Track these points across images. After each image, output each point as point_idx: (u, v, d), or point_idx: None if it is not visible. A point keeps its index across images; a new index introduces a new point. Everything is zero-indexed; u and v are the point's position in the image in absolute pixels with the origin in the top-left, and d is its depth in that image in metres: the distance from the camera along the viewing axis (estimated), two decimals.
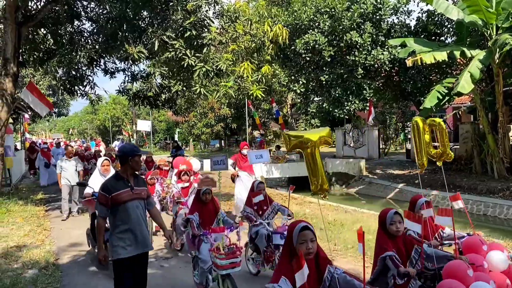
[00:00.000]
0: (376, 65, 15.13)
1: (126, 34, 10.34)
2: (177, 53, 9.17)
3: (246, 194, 9.13)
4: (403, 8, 16.16)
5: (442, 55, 12.21)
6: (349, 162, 18.97)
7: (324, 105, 17.70)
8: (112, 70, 13.01)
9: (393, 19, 16.38)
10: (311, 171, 4.18)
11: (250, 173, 9.47)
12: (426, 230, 3.84)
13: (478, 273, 3.34)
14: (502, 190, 12.74)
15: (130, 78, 13.01)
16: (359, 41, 14.91)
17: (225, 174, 16.84)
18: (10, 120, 14.41)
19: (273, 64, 16.47)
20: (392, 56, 14.73)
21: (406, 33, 15.66)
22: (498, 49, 11.90)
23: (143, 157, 11.20)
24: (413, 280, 3.35)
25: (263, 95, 11.36)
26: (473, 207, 12.68)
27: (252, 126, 33.23)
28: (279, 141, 33.89)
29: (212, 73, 9.55)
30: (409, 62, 12.66)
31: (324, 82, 16.53)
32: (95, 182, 6.64)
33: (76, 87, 12.94)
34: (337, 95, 16.90)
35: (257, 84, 10.48)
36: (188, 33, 9.00)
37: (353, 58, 15.13)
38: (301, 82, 17.09)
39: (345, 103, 17.07)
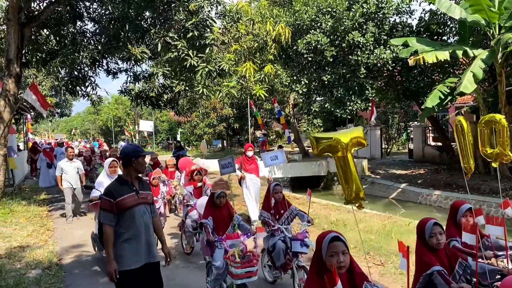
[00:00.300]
0: (378, 64, 15.10)
1: (129, 34, 10.37)
2: (180, 53, 9.19)
3: (253, 198, 8.89)
4: (405, 8, 16.13)
5: (444, 55, 12.18)
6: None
7: (326, 105, 17.70)
8: (114, 70, 13.06)
9: (395, 19, 16.36)
10: (343, 178, 3.77)
11: (256, 175, 9.14)
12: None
13: None
14: (505, 190, 12.70)
15: (132, 79, 13.06)
16: (361, 41, 14.89)
17: (233, 177, 16.86)
18: (13, 121, 14.44)
19: (275, 64, 16.48)
20: (394, 55, 14.70)
21: (408, 32, 15.63)
22: (501, 49, 11.87)
23: (147, 157, 11.14)
24: None
25: (266, 95, 11.35)
26: (475, 207, 12.64)
27: (254, 126, 33.24)
28: (281, 141, 33.89)
29: (215, 73, 9.56)
30: (411, 62, 12.63)
31: (326, 82, 16.52)
32: (103, 184, 6.36)
33: (78, 88, 12.99)
34: (339, 95, 16.89)
35: (259, 84, 10.47)
36: (191, 33, 9.02)
37: (356, 58, 15.11)
38: (303, 82, 17.09)
39: (347, 103, 17.07)
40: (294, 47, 16.02)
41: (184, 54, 9.16)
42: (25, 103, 15.24)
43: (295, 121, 27.94)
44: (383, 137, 24.15)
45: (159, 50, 9.36)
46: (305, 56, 15.95)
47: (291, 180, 20.08)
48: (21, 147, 23.75)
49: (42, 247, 7.46)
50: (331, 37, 15.62)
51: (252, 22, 10.50)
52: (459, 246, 3.52)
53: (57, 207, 11.39)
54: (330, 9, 15.56)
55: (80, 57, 11.14)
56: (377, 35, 15.16)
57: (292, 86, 17.95)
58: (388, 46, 14.97)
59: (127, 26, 10.43)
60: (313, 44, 15.46)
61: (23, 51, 11.27)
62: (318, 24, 15.78)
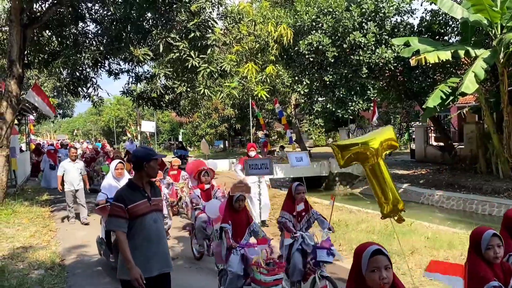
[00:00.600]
0: (380, 64, 15.10)
1: (131, 35, 10.40)
2: (181, 54, 9.20)
3: (255, 201, 8.45)
4: (406, 8, 16.12)
5: (446, 55, 12.17)
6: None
7: (328, 106, 17.69)
8: (116, 71, 13.10)
9: (396, 19, 16.35)
10: (377, 188, 3.30)
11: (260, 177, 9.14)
12: None
13: None
14: (507, 190, 12.67)
15: (134, 79, 13.11)
16: (362, 41, 14.89)
17: (232, 176, 16.86)
18: (15, 121, 14.47)
19: (277, 65, 16.48)
20: (396, 54, 14.69)
21: (410, 32, 15.62)
22: (503, 49, 11.85)
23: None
24: None
25: (267, 96, 11.36)
26: (478, 207, 12.63)
27: (256, 127, 33.26)
28: (283, 141, 33.90)
29: (216, 74, 9.57)
30: (413, 62, 12.63)
31: (328, 82, 16.52)
32: (108, 187, 6.19)
33: (80, 89, 13.03)
34: (341, 95, 16.89)
35: (261, 84, 10.47)
36: (192, 34, 9.03)
37: (357, 58, 15.11)
38: (304, 83, 17.09)
39: (349, 103, 17.06)
40: (296, 48, 16.03)
41: (185, 55, 9.17)
42: (27, 104, 15.29)
43: (296, 121, 27.94)
44: None
45: (160, 51, 9.39)
46: (307, 56, 15.95)
47: (293, 181, 20.06)
48: (23, 148, 23.80)
49: (45, 247, 7.48)
50: (333, 37, 15.62)
51: (253, 23, 10.51)
52: None
53: (59, 207, 11.41)
54: (330, 10, 15.57)
55: (82, 58, 11.19)
56: (378, 35, 15.15)
57: (294, 86, 17.95)
58: (389, 45, 14.97)
59: (129, 27, 10.46)
60: (315, 45, 15.46)
61: (25, 52, 11.29)
62: (320, 24, 15.78)
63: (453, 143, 18.91)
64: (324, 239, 4.79)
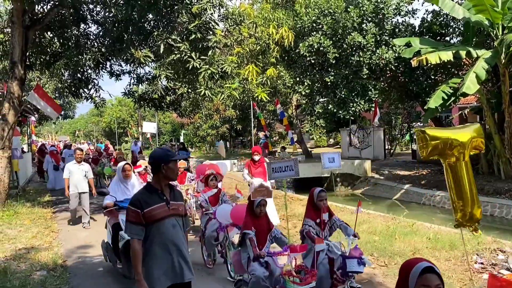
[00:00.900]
0: (381, 65, 15.10)
1: (132, 37, 10.41)
2: (183, 55, 9.22)
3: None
4: (407, 9, 16.12)
5: (447, 55, 12.17)
6: (355, 163, 18.94)
7: (329, 106, 17.70)
8: (118, 72, 13.13)
9: (397, 19, 16.36)
10: (454, 191, 2.86)
11: (264, 180, 8.70)
12: None
13: None
14: (509, 191, 12.66)
15: (135, 81, 13.13)
16: (362, 42, 14.90)
17: (232, 177, 16.87)
18: (17, 123, 14.51)
19: (278, 66, 16.50)
20: (397, 55, 14.69)
21: (411, 33, 15.62)
22: (504, 49, 11.85)
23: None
24: None
25: (268, 98, 11.37)
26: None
27: (257, 127, 33.27)
28: (284, 142, 33.89)
29: (217, 75, 9.58)
30: (414, 62, 12.63)
31: (329, 83, 16.53)
32: (116, 190, 6.01)
33: (81, 90, 13.06)
34: (342, 96, 16.89)
35: (261, 86, 10.48)
36: (193, 35, 9.05)
37: (358, 59, 15.12)
38: (306, 84, 17.10)
39: (350, 104, 17.06)
40: (297, 50, 16.05)
41: (186, 56, 9.19)
42: (29, 105, 15.32)
43: (298, 122, 27.95)
44: (387, 138, 24.12)
45: (161, 52, 9.41)
46: (308, 58, 15.97)
47: (294, 181, 20.07)
48: (25, 149, 23.85)
49: (47, 248, 7.50)
50: (333, 38, 15.63)
51: (254, 25, 10.52)
52: None
53: (61, 209, 11.45)
54: (330, 11, 15.58)
55: (84, 59, 11.21)
56: (378, 36, 15.16)
57: (295, 87, 17.97)
58: (390, 46, 14.97)
59: (130, 29, 10.48)
60: (315, 47, 15.48)
61: (27, 54, 11.33)
62: (320, 26, 15.79)
63: None
64: (352, 247, 4.50)
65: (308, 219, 4.79)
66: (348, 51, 15.57)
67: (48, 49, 12.63)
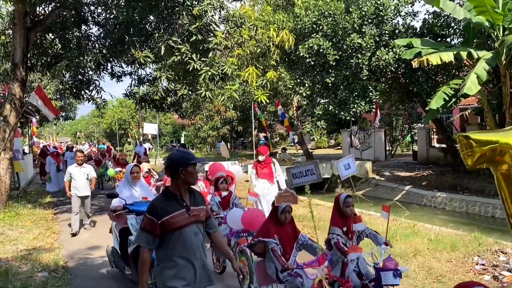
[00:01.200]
0: (381, 66, 15.10)
1: (133, 38, 10.44)
2: (183, 57, 9.24)
3: (266, 208, 8.00)
4: (407, 10, 16.13)
5: (448, 56, 12.15)
6: (356, 164, 18.93)
7: (330, 108, 17.70)
8: (119, 74, 13.15)
9: (398, 21, 16.36)
10: (510, 204, 2.62)
11: (270, 181, 8.51)
12: None
13: None
14: None
15: (136, 82, 13.16)
16: (362, 44, 14.90)
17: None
18: (18, 124, 14.53)
19: (279, 68, 16.50)
20: (397, 56, 14.69)
21: (411, 34, 15.62)
22: (505, 50, 11.84)
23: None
24: None
25: (267, 100, 11.36)
26: (481, 209, 12.61)
27: (258, 129, 33.29)
28: (285, 143, 33.90)
29: (218, 77, 9.60)
30: (415, 64, 12.62)
31: (329, 84, 16.53)
32: (124, 192, 5.80)
33: (82, 91, 13.09)
34: (343, 97, 16.90)
35: (261, 89, 10.48)
36: (194, 37, 9.07)
37: (357, 61, 15.13)
38: (306, 85, 17.10)
39: (351, 105, 17.06)
40: (297, 52, 16.06)
41: (187, 58, 9.22)
42: (30, 107, 15.35)
43: (299, 123, 27.96)
44: (387, 139, 24.12)
45: (162, 53, 9.43)
46: (308, 60, 15.98)
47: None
48: (26, 151, 23.87)
49: (48, 250, 7.51)
50: (333, 40, 15.64)
51: (255, 27, 10.54)
52: None
53: (62, 210, 11.46)
54: (330, 12, 15.59)
55: (85, 60, 11.24)
56: (377, 37, 15.16)
57: (296, 88, 17.98)
58: (390, 48, 14.97)
59: (131, 30, 10.50)
60: (315, 48, 15.48)
61: (29, 55, 11.36)
62: (320, 27, 15.81)
63: (456, 145, 18.88)
64: (385, 257, 4.14)
65: (335, 227, 4.46)
66: (348, 52, 15.58)
67: (50, 51, 12.66)
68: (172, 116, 45.01)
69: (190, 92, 12.32)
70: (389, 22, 15.55)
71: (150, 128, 32.72)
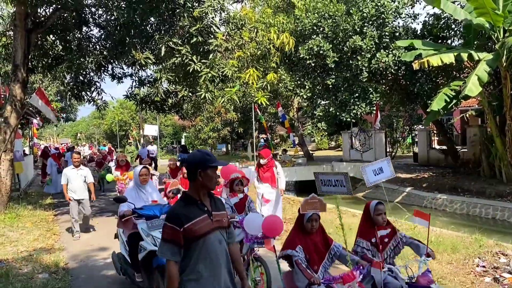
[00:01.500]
0: (381, 68, 15.11)
1: (134, 40, 10.45)
2: (184, 58, 9.26)
3: (266, 212, 7.76)
4: (407, 12, 16.15)
5: (449, 58, 12.17)
6: (356, 165, 18.94)
7: (330, 109, 17.71)
8: (119, 75, 13.17)
9: (398, 22, 16.38)
10: None
11: (272, 185, 8.27)
12: None
13: None
14: (510, 194, 12.64)
15: (137, 83, 13.16)
16: (363, 46, 14.91)
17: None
18: (19, 125, 14.53)
19: (279, 70, 16.51)
20: (396, 59, 14.70)
21: (412, 36, 15.63)
22: (505, 52, 11.85)
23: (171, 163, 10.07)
24: None
25: (268, 102, 11.37)
26: (481, 211, 12.59)
27: (258, 130, 33.30)
28: (286, 145, 33.90)
29: (218, 79, 9.61)
30: (415, 65, 12.63)
31: (330, 86, 16.54)
32: (133, 196, 5.50)
33: (83, 93, 13.11)
34: (343, 98, 16.91)
35: (262, 91, 10.49)
36: (195, 39, 9.09)
37: (357, 63, 15.14)
38: (307, 87, 17.11)
39: (352, 106, 17.07)
40: (297, 54, 16.07)
41: (187, 60, 9.23)
42: (31, 108, 15.37)
43: (299, 124, 27.96)
44: (388, 140, 24.11)
45: (162, 55, 9.45)
46: (308, 62, 15.99)
47: (296, 184, 20.07)
48: (27, 152, 23.89)
49: (49, 251, 7.52)
50: (334, 42, 15.65)
51: (255, 29, 10.56)
52: None
53: (63, 211, 11.45)
54: (331, 14, 15.61)
55: (86, 62, 11.24)
56: (377, 39, 15.17)
57: (296, 90, 17.99)
58: (391, 50, 14.98)
59: (132, 32, 10.52)
60: (315, 50, 15.49)
61: (30, 57, 11.38)
62: (320, 29, 15.82)
63: (456, 147, 18.88)
64: (423, 271, 3.78)
65: (361, 239, 4.12)
66: (348, 54, 15.59)
67: (50, 52, 12.68)
68: (172, 117, 45.06)
69: (190, 94, 12.34)
70: (390, 24, 15.56)
71: (151, 130, 32.73)
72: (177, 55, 9.30)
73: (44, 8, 11.16)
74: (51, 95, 22.75)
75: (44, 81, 21.32)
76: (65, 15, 11.42)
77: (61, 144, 46.23)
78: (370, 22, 15.37)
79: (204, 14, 9.04)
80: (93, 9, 11.62)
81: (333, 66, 15.63)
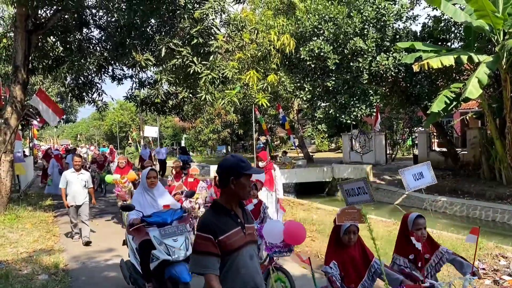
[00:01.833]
0: (381, 71, 15.12)
1: (134, 41, 10.48)
2: (184, 60, 9.27)
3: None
4: (408, 14, 16.16)
5: (449, 60, 12.19)
6: (356, 167, 18.94)
7: (330, 111, 17.71)
8: (120, 76, 13.19)
9: (398, 25, 16.39)
10: None
11: (269, 189, 7.85)
12: None
13: None
14: (510, 196, 12.63)
15: (137, 85, 13.18)
16: (363, 47, 14.93)
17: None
18: (19, 127, 14.54)
19: (279, 72, 16.53)
20: (397, 62, 14.72)
21: (412, 38, 15.65)
22: (505, 54, 11.87)
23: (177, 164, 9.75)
24: None
25: (268, 104, 11.37)
26: (481, 213, 12.58)
27: (258, 132, 33.32)
28: (286, 147, 33.92)
29: (218, 80, 9.62)
30: (416, 67, 12.65)
31: (330, 88, 16.55)
32: (141, 203, 5.12)
33: (84, 94, 13.12)
34: (343, 101, 16.92)
35: (262, 92, 10.49)
36: (195, 40, 9.09)
37: (357, 65, 15.16)
38: (307, 89, 17.12)
39: (352, 108, 17.07)
40: (298, 55, 16.09)
41: (188, 61, 9.24)
42: (31, 109, 15.37)
43: (299, 126, 27.98)
44: (388, 142, 24.12)
45: (163, 56, 9.46)
46: (308, 63, 16.01)
47: (296, 186, 20.07)
48: (27, 153, 23.89)
49: (49, 252, 7.51)
50: (334, 44, 15.67)
51: (256, 31, 10.57)
52: None
53: (62, 212, 11.44)
54: (332, 16, 15.63)
55: (86, 63, 11.26)
56: (379, 41, 15.19)
57: (296, 93, 18.00)
58: (391, 52, 15.00)
59: (132, 33, 10.54)
60: (316, 51, 15.51)
61: (30, 58, 11.40)
62: (321, 31, 15.84)
63: (456, 149, 18.88)
64: None
65: (398, 255, 3.72)
66: (349, 56, 15.60)
67: (51, 54, 12.70)
68: (172, 119, 45.05)
69: (191, 95, 12.35)
70: (391, 27, 15.59)
71: (151, 131, 32.73)
72: (177, 57, 9.31)
73: (44, 9, 11.18)
74: (52, 96, 22.77)
75: (44, 83, 21.34)
76: (65, 16, 11.44)
77: (61, 145, 46.26)
78: (371, 25, 15.39)
79: (204, 16, 9.05)
80: (93, 11, 11.65)
81: (333, 68, 15.65)
